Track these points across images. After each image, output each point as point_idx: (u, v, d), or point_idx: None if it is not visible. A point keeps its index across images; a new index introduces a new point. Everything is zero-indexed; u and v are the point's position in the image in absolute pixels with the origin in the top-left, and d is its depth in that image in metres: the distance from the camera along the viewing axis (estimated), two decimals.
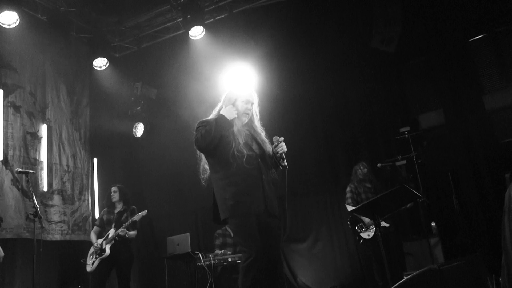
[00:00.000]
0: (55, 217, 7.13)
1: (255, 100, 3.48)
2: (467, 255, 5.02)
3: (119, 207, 6.02)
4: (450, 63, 6.47)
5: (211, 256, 6.09)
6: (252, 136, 3.44)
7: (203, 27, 7.20)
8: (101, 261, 5.74)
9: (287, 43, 7.22)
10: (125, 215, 5.90)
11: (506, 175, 4.09)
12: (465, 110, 6.30)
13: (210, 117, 3.47)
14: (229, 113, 3.31)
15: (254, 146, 3.37)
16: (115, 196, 6.02)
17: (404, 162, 5.93)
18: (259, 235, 3.10)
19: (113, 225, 5.87)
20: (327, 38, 7.05)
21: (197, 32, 7.25)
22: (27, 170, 4.87)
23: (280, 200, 3.43)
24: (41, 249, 4.41)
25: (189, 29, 7.18)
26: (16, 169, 5.23)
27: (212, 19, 7.66)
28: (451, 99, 6.39)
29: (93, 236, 6.05)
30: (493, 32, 6.40)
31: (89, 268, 5.81)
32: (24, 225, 6.57)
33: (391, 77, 6.96)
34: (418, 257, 5.77)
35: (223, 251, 6.42)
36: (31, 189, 4.68)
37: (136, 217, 5.77)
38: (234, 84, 3.56)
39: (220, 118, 3.29)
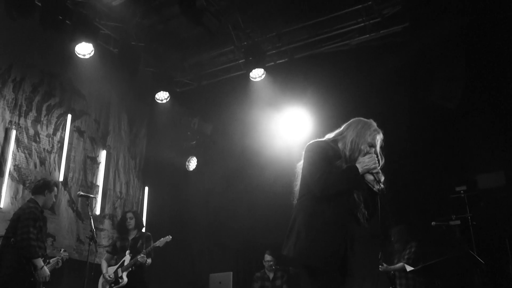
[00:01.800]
0: (104, 241, 7.32)
1: (379, 143, 2.94)
2: None
3: (133, 234, 5.84)
4: None
5: None
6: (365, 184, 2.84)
7: (264, 69, 7.41)
8: None
9: (343, 91, 7.23)
10: (140, 241, 5.74)
11: None
12: None
13: (326, 137, 2.99)
14: (367, 164, 2.73)
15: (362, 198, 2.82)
16: (132, 223, 5.81)
17: (458, 222, 5.70)
18: None
19: (127, 251, 5.68)
20: (386, 89, 7.02)
21: (257, 74, 7.45)
22: (88, 194, 5.01)
23: None
24: (92, 273, 4.49)
25: (250, 70, 7.41)
26: (78, 192, 5.33)
27: (272, 63, 7.86)
28: None
29: (104, 265, 5.77)
30: None
31: None
32: (74, 246, 6.79)
33: (449, 133, 6.81)
34: None
35: None
36: (90, 213, 4.78)
37: (159, 243, 5.63)
38: (362, 121, 3.06)
39: (353, 172, 2.70)
